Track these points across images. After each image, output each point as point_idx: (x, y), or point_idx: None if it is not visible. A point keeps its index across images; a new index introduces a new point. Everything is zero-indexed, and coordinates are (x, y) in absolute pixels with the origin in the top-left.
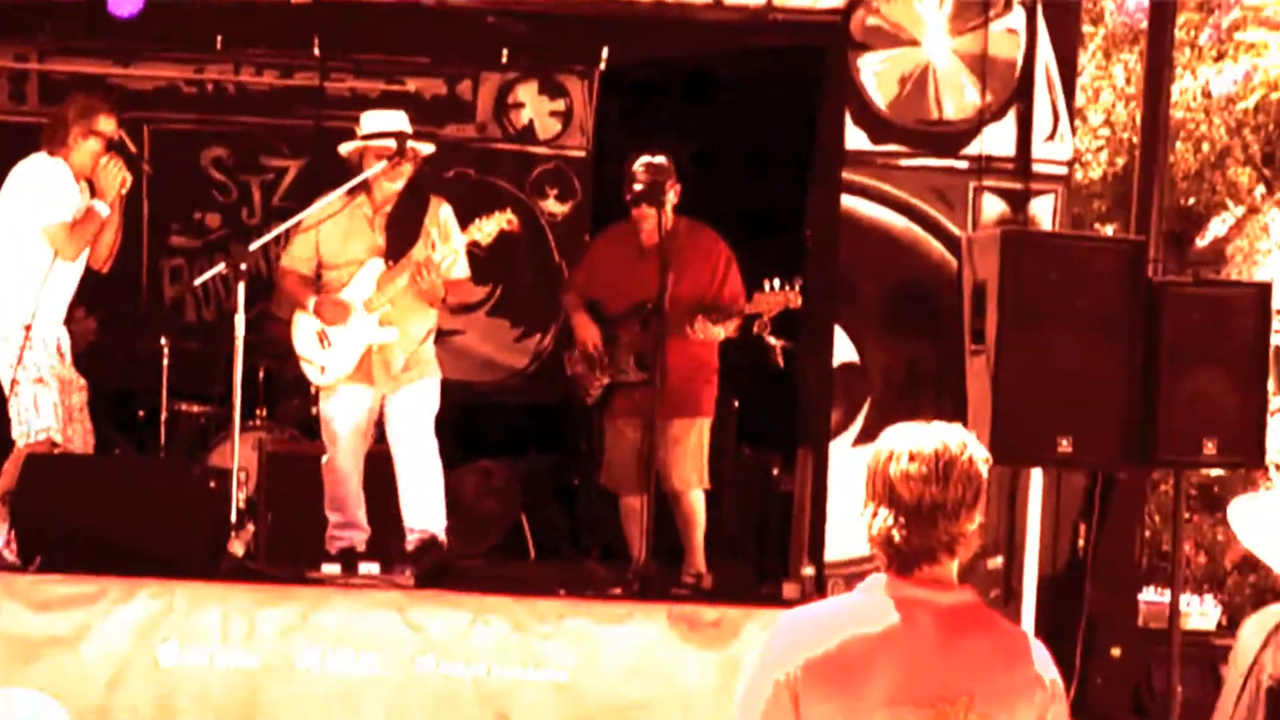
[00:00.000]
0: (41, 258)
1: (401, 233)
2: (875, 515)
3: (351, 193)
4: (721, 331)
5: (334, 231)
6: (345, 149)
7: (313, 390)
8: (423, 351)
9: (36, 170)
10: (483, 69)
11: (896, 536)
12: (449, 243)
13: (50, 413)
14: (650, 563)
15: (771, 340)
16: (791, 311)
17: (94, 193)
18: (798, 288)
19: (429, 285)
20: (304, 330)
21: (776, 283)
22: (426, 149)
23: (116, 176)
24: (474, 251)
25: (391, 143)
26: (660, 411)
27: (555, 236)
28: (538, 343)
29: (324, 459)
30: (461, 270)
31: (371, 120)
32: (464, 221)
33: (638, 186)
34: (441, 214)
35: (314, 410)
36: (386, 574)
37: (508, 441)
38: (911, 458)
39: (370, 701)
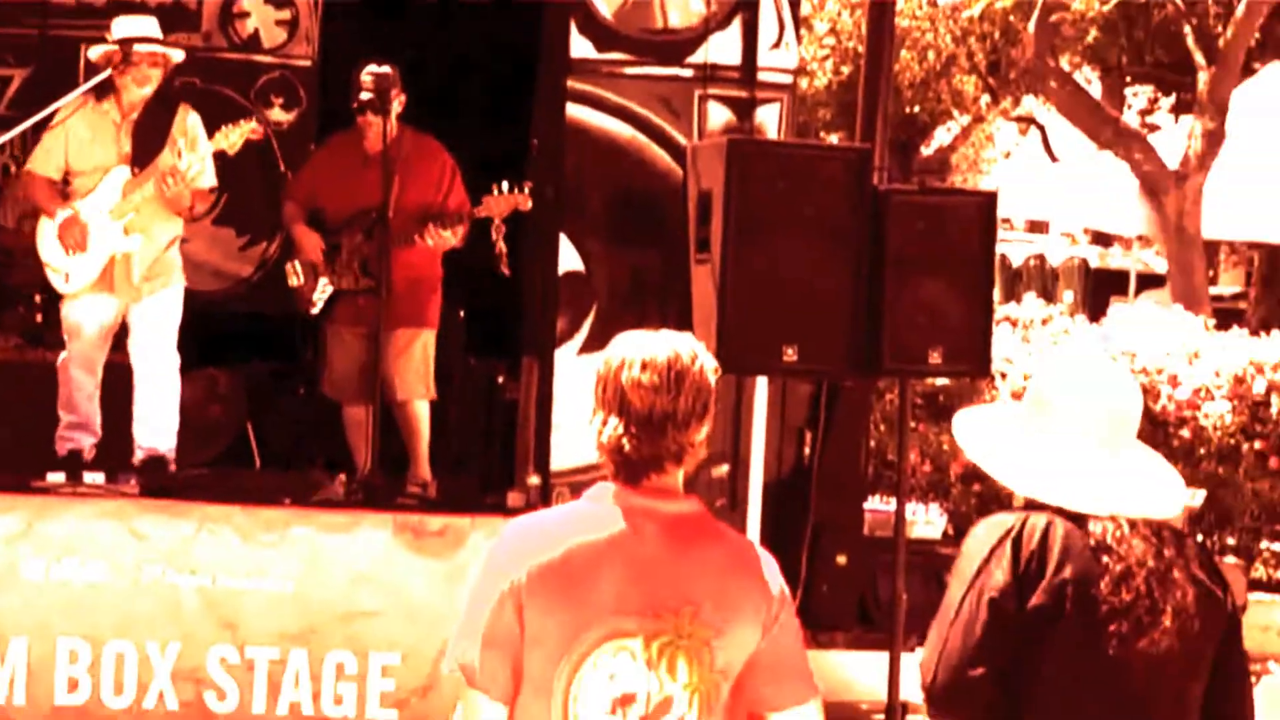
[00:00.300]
0: None
1: (148, 140)
2: (605, 424)
3: (99, 98)
4: (451, 238)
5: (81, 138)
6: (95, 53)
7: (37, 300)
8: (167, 259)
9: None
10: None
11: (626, 445)
12: (195, 151)
13: None
14: (375, 472)
15: (503, 246)
16: (520, 215)
17: None
18: (526, 190)
19: (175, 194)
20: (48, 237)
21: (505, 185)
22: (178, 56)
23: None
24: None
25: (148, 47)
26: (385, 322)
27: (281, 146)
28: (263, 251)
29: (60, 358)
30: (209, 180)
31: (124, 25)
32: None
33: (364, 95)
34: (189, 122)
35: (39, 319)
36: (112, 484)
37: (233, 350)
38: (644, 367)
39: (97, 611)
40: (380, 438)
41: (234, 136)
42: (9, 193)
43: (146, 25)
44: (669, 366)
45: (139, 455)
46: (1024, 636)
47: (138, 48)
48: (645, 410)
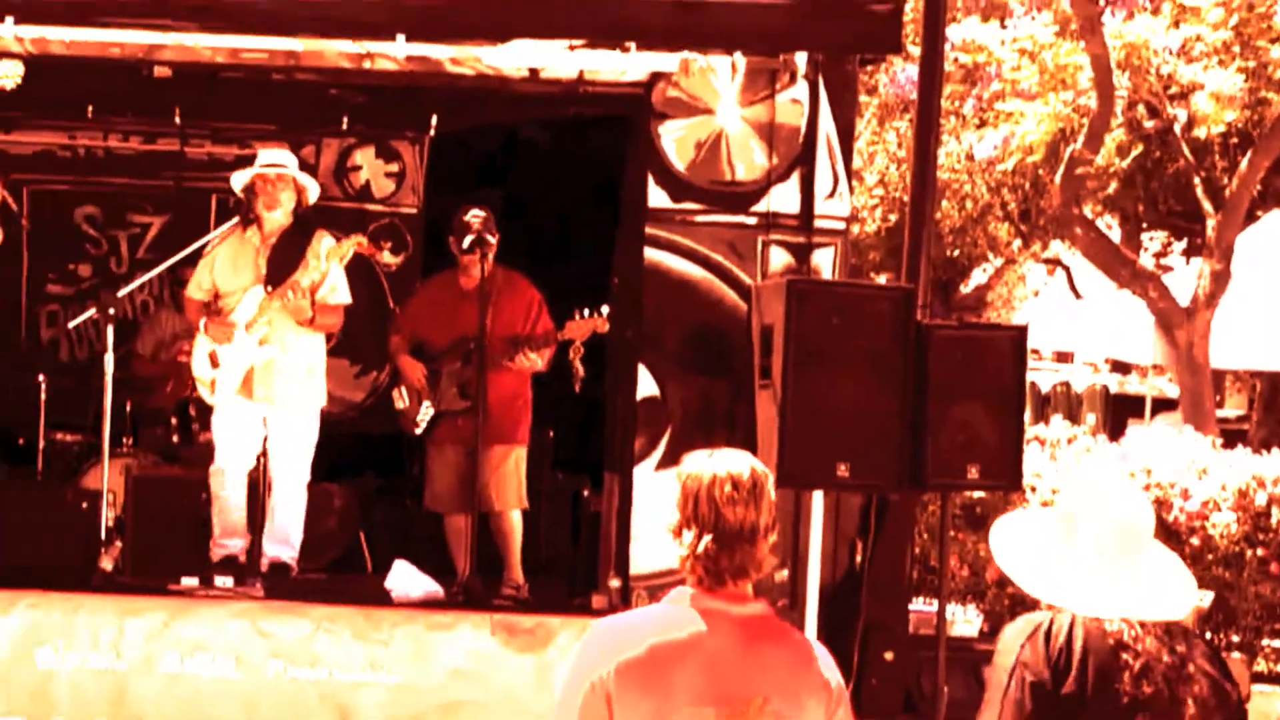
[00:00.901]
0: None
1: (285, 261)
2: (699, 538)
3: (244, 227)
4: (539, 360)
5: (225, 262)
6: (239, 180)
7: (173, 421)
8: (305, 375)
9: None
10: (325, 135)
11: (717, 557)
12: (326, 269)
13: None
14: (474, 576)
15: (580, 366)
16: (603, 342)
17: None
18: (604, 314)
19: (295, 306)
20: (199, 354)
21: (586, 311)
22: (310, 183)
23: None
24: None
25: (286, 170)
26: (481, 440)
27: (390, 285)
28: (374, 379)
29: (213, 471)
30: (341, 297)
31: (264, 155)
32: None
33: (468, 237)
34: (323, 245)
35: (175, 439)
36: (240, 587)
37: (347, 466)
38: (733, 484)
39: (226, 701)
40: (478, 545)
41: (345, 248)
42: (147, 326)
43: (283, 156)
44: (753, 483)
45: (265, 562)
46: (1060, 717)
47: (272, 173)
48: (736, 525)
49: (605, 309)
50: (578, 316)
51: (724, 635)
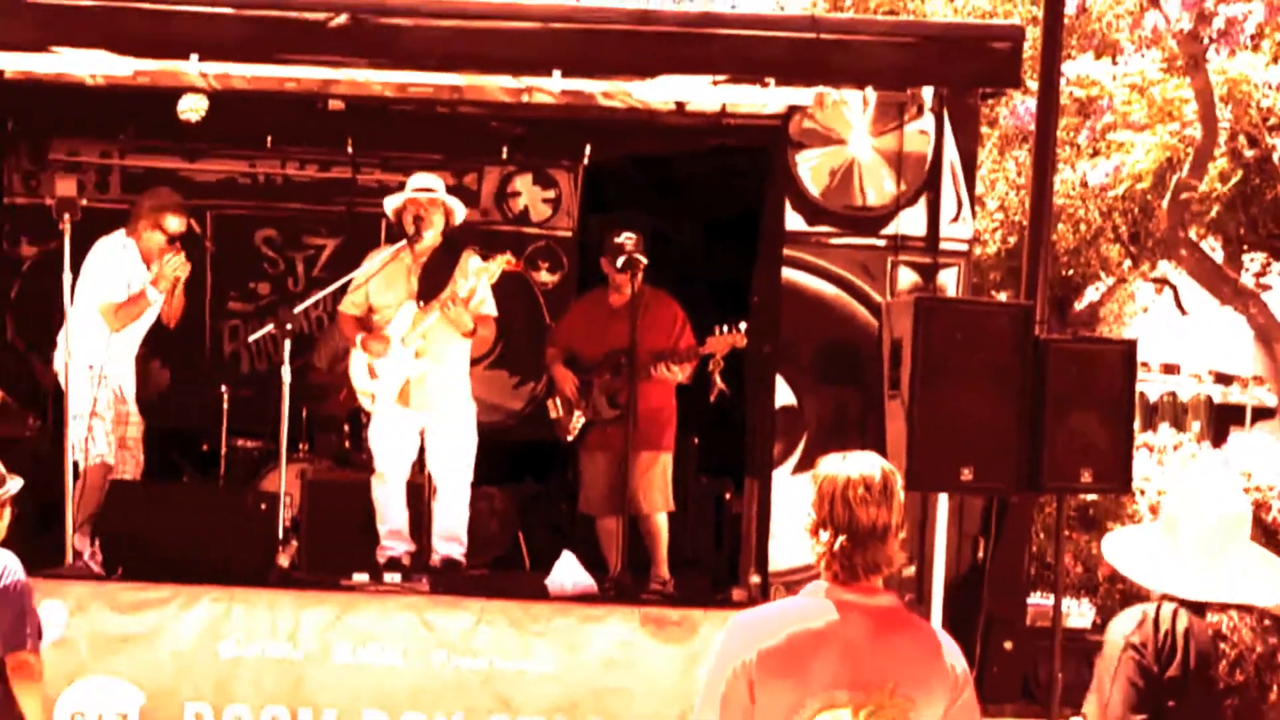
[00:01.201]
0: (102, 322)
1: (435, 278)
2: (835, 537)
3: (392, 244)
4: (680, 373)
5: (380, 280)
6: (391, 204)
7: (345, 429)
8: (458, 386)
9: (106, 250)
10: (486, 163)
11: (852, 555)
12: (475, 283)
13: (104, 442)
14: (624, 573)
15: (719, 380)
16: (739, 356)
17: (158, 276)
18: (742, 329)
19: (455, 316)
20: (358, 365)
21: (724, 327)
22: (458, 206)
23: (173, 272)
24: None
25: (435, 194)
26: (630, 446)
27: (546, 302)
28: (532, 389)
29: (375, 478)
30: (490, 309)
31: (415, 180)
32: None
33: (620, 258)
34: (470, 262)
35: (347, 445)
36: (407, 582)
37: (507, 472)
38: (866, 486)
39: (394, 688)
40: (628, 544)
41: (493, 267)
42: (322, 340)
43: (432, 180)
44: (883, 484)
45: (435, 559)
46: (1162, 699)
47: (424, 197)
48: (868, 524)
49: (742, 325)
50: (717, 332)
51: (857, 625)
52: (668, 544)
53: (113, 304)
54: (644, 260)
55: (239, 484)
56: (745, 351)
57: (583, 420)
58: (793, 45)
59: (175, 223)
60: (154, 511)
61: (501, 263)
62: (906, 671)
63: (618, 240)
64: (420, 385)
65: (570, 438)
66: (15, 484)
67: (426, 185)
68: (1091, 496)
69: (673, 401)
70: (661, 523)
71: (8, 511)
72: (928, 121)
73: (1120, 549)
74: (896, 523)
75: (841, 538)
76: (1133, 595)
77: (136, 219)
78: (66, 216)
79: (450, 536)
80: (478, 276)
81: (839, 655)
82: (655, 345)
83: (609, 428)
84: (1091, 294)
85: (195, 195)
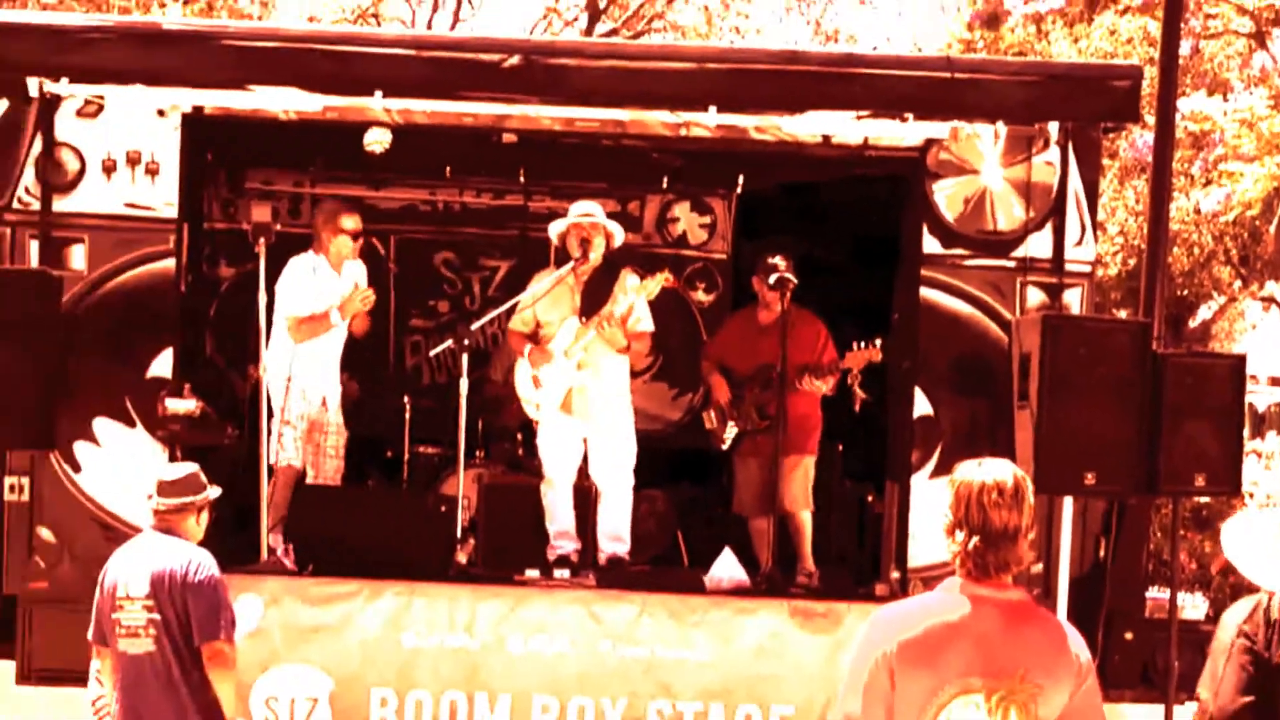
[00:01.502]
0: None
1: (595, 297)
2: (970, 537)
3: (559, 266)
4: (824, 386)
5: (546, 298)
6: (556, 228)
7: (519, 437)
8: (617, 396)
9: (296, 269)
10: (648, 192)
11: (985, 554)
12: (633, 301)
13: (293, 447)
14: (774, 569)
15: (859, 391)
16: (878, 371)
17: (346, 304)
18: (879, 345)
19: (610, 335)
20: (522, 377)
21: (863, 343)
22: (616, 229)
23: (362, 304)
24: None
25: (596, 218)
26: (779, 451)
27: (703, 320)
28: (689, 400)
29: (543, 483)
30: (646, 325)
31: (577, 207)
32: None
33: (772, 279)
34: (629, 281)
35: (520, 452)
36: (575, 578)
37: (666, 476)
38: (999, 491)
39: (563, 675)
40: (777, 543)
41: (652, 286)
42: (497, 355)
43: (592, 206)
44: (1015, 489)
45: (601, 556)
46: (1270, 683)
47: (586, 221)
48: (1001, 526)
49: (878, 341)
50: (856, 348)
51: (989, 618)
52: (811, 540)
53: (296, 317)
54: (794, 280)
55: (421, 488)
56: (885, 365)
57: (735, 430)
58: (929, 83)
59: (351, 221)
60: (343, 513)
61: (660, 280)
62: (1035, 660)
63: (770, 261)
64: (582, 395)
65: (724, 446)
66: (214, 492)
67: (587, 210)
68: (1204, 499)
69: (818, 410)
70: (805, 520)
71: (205, 515)
72: (1054, 153)
73: (1235, 543)
74: (1026, 525)
75: (976, 538)
76: (1244, 588)
77: (318, 233)
78: (262, 240)
79: (614, 535)
80: (636, 294)
81: (973, 645)
82: (801, 360)
83: (759, 436)
84: (1204, 312)
85: (380, 221)
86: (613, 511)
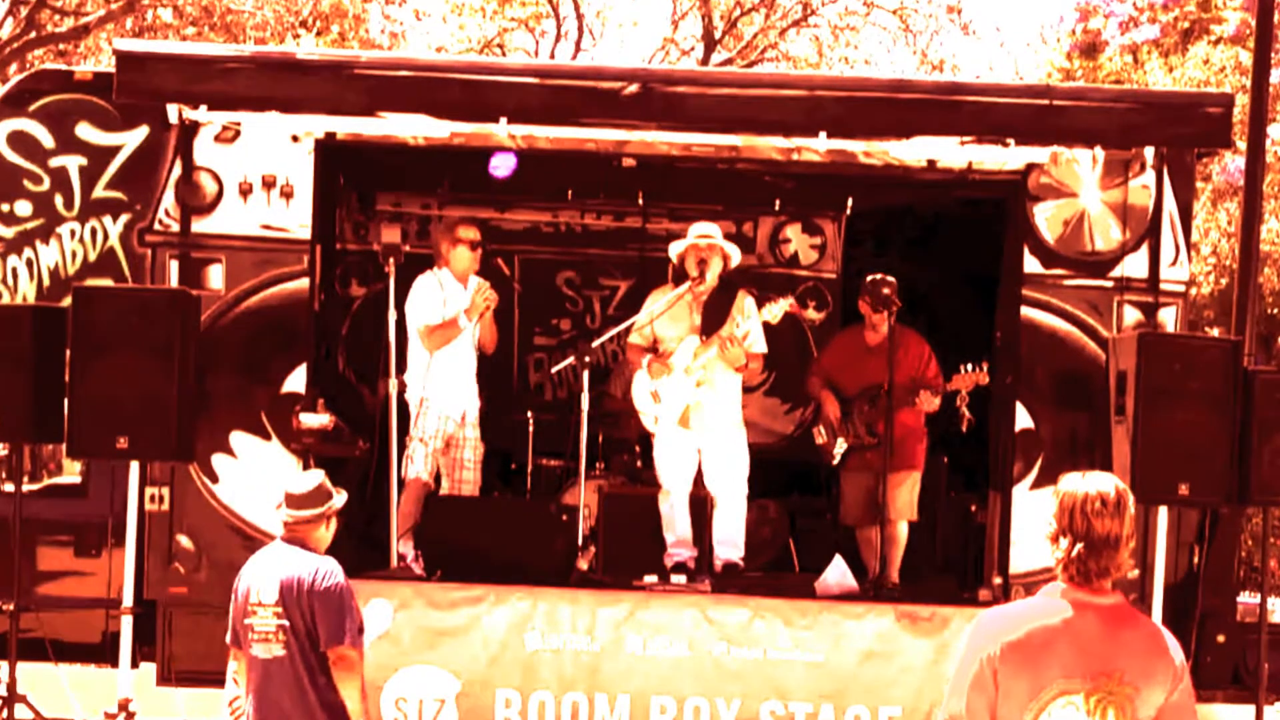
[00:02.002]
0: (420, 345)
1: (714, 315)
2: (1073, 545)
3: (677, 285)
4: (930, 404)
5: (665, 316)
6: (676, 248)
7: (637, 449)
8: (732, 412)
9: (423, 284)
10: (760, 213)
11: (1088, 560)
12: (749, 323)
13: (422, 462)
14: (882, 576)
15: (966, 411)
16: (982, 388)
17: (471, 305)
18: (985, 368)
19: (731, 355)
20: (641, 390)
21: (970, 366)
22: (734, 251)
23: (484, 302)
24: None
25: (714, 240)
26: (887, 467)
27: (814, 337)
28: (800, 414)
29: (661, 494)
30: (760, 346)
31: (696, 229)
32: None
33: (877, 300)
34: (746, 302)
35: (638, 464)
36: (691, 583)
37: (778, 487)
38: (1102, 501)
39: (680, 676)
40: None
41: (775, 310)
42: (616, 372)
43: (710, 228)
44: (1118, 499)
45: (718, 563)
46: None
47: (704, 243)
48: (1104, 534)
49: (985, 365)
50: (963, 370)
51: (1090, 621)
52: (904, 549)
53: (428, 326)
54: (898, 302)
55: (543, 497)
56: (988, 381)
57: (844, 445)
58: (1030, 110)
59: (468, 231)
60: (471, 522)
61: (785, 305)
62: (1133, 662)
63: (878, 283)
64: (698, 411)
65: (834, 461)
66: (339, 499)
67: (706, 232)
68: None
69: (923, 425)
70: (902, 531)
71: (334, 523)
72: (1149, 177)
73: None
74: (1128, 534)
75: (1079, 545)
76: None
77: (438, 247)
78: (391, 261)
79: (729, 543)
80: (756, 316)
81: (1073, 648)
82: (906, 378)
83: (868, 452)
84: None
85: (504, 241)
86: (727, 520)
